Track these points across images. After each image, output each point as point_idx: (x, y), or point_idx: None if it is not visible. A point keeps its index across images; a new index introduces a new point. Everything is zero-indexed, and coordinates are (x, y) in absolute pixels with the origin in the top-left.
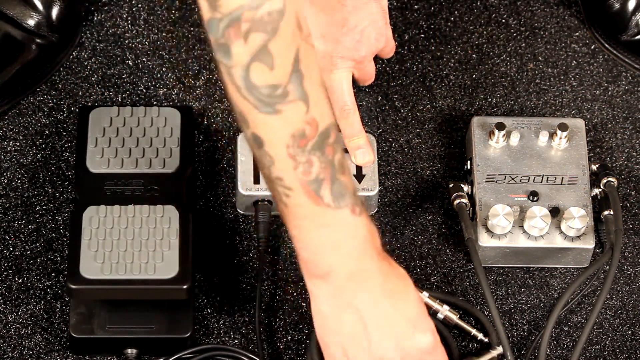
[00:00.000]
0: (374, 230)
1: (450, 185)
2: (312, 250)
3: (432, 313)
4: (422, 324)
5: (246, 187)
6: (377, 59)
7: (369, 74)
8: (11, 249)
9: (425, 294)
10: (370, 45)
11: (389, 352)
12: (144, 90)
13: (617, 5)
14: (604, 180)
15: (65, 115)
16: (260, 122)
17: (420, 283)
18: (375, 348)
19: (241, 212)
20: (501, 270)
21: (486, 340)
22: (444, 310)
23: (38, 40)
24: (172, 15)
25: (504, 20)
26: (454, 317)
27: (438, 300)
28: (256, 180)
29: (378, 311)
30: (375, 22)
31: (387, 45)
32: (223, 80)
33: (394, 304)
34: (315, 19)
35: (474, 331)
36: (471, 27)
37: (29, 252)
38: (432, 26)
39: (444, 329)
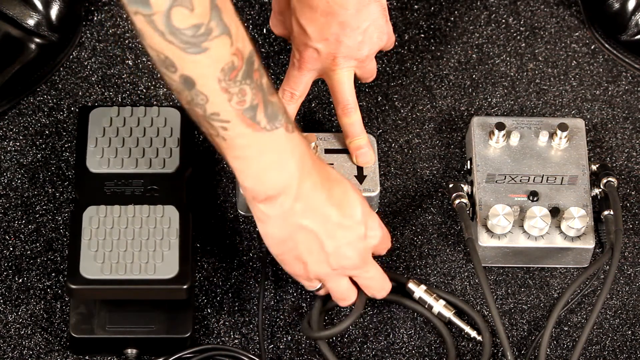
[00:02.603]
0: (307, 143)
1: (450, 185)
2: (255, 177)
3: (427, 308)
4: (370, 222)
5: None
6: (377, 58)
7: (370, 72)
8: (11, 249)
9: (423, 287)
10: (373, 44)
11: (347, 258)
12: (144, 90)
13: (617, 5)
14: (604, 180)
15: (65, 115)
16: (189, 63)
17: (420, 283)
18: (334, 258)
19: (241, 212)
20: (501, 270)
21: (479, 338)
22: (439, 306)
23: (38, 40)
24: None
25: (504, 20)
26: (449, 313)
27: (435, 295)
28: None
29: (330, 225)
30: (376, 22)
31: (388, 41)
32: (141, 31)
33: (342, 213)
34: (317, 23)
35: (467, 329)
36: (471, 27)
37: (29, 252)
38: (432, 26)
39: (443, 327)
